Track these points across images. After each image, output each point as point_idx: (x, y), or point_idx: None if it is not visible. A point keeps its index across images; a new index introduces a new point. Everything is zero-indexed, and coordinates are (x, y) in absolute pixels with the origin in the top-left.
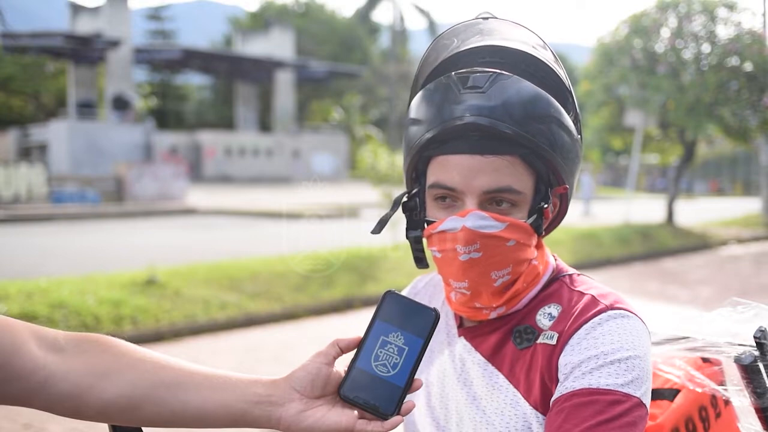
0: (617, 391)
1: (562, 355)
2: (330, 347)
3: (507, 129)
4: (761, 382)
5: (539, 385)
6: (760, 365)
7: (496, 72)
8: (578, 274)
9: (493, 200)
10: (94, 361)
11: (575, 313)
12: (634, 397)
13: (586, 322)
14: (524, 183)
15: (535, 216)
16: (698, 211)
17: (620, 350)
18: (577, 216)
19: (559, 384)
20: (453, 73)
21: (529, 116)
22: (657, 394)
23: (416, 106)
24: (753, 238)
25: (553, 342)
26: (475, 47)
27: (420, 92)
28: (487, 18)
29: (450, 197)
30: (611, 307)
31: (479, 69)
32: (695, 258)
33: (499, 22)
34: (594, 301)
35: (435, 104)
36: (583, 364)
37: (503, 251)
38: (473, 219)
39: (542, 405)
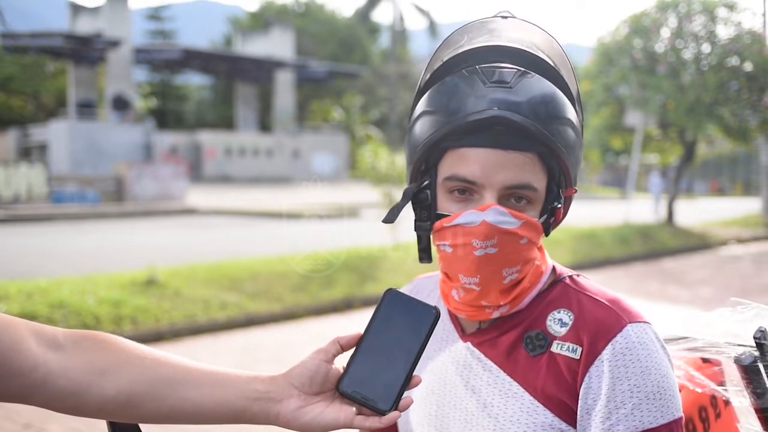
0: (662, 425)
1: (589, 375)
2: (331, 345)
3: (532, 126)
4: (761, 383)
5: (560, 396)
6: (760, 366)
7: (521, 69)
8: (577, 275)
9: (511, 196)
10: (93, 358)
11: (594, 327)
12: (677, 417)
13: (609, 341)
14: (540, 181)
15: (546, 216)
16: (698, 211)
17: (654, 378)
18: (648, 215)
19: (595, 415)
20: (477, 66)
21: (550, 116)
22: None
23: (432, 98)
24: (753, 238)
25: (576, 356)
26: (479, 47)
27: (437, 84)
28: (506, 17)
29: (468, 190)
30: (631, 321)
31: (505, 65)
32: (695, 258)
33: (513, 22)
34: (609, 311)
35: (457, 96)
36: (618, 398)
37: (517, 248)
38: (493, 214)
39: (566, 414)
